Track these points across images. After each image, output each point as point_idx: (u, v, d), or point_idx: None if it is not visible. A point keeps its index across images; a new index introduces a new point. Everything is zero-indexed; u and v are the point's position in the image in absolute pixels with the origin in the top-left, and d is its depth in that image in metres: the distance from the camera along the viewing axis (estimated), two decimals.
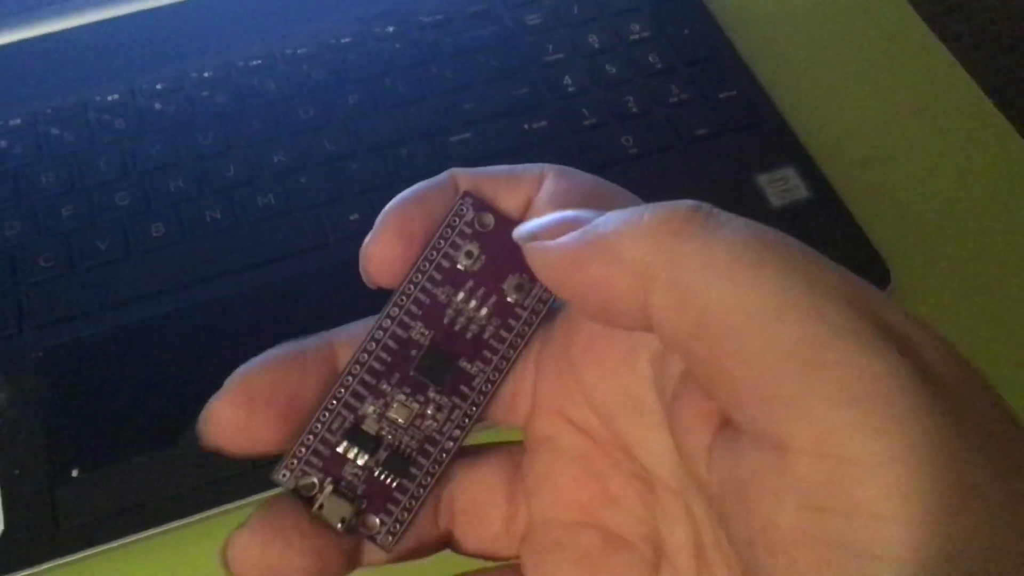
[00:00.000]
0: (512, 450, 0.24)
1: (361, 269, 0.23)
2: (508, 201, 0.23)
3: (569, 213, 0.21)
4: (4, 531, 0.37)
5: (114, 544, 0.36)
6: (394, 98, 0.49)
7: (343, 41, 0.52)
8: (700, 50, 0.51)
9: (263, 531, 0.21)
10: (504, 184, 0.23)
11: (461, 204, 0.22)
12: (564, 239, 0.20)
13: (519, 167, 0.23)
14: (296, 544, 0.21)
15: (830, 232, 0.44)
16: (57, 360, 0.41)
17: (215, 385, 0.21)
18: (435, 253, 0.22)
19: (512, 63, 0.51)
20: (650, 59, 0.51)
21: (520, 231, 0.21)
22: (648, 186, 0.48)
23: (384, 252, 0.22)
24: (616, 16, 0.52)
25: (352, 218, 0.45)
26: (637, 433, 0.22)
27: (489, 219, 0.23)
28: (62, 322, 0.42)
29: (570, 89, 0.50)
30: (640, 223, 0.19)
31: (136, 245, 0.44)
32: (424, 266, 0.22)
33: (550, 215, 0.21)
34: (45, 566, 0.36)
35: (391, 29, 0.52)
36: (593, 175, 0.23)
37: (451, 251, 0.22)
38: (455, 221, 0.22)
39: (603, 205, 0.21)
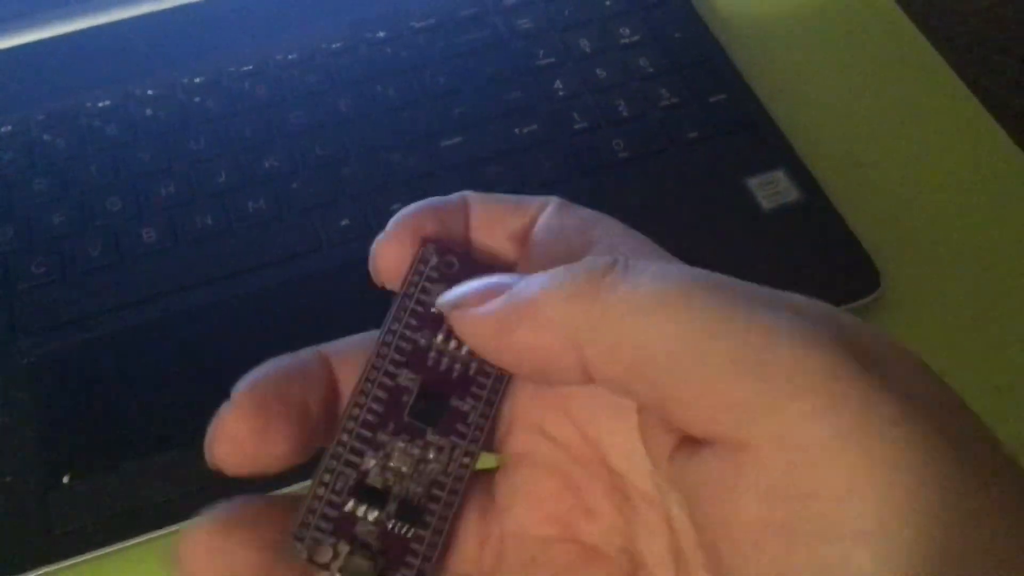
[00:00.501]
0: (478, 475, 0.24)
1: (371, 267, 0.23)
2: (512, 226, 0.23)
3: (492, 279, 0.21)
4: None
5: (106, 550, 0.36)
6: (386, 103, 0.49)
7: (334, 46, 0.52)
8: (690, 54, 0.51)
9: (222, 529, 0.21)
10: (510, 211, 0.24)
11: (424, 251, 0.23)
12: (489, 306, 0.20)
13: (527, 197, 0.24)
14: (254, 544, 0.21)
15: (820, 235, 0.44)
16: (49, 366, 0.41)
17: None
18: (408, 300, 0.23)
19: (503, 67, 0.51)
20: (640, 63, 0.51)
21: (443, 300, 0.21)
22: (639, 190, 0.48)
23: (393, 252, 0.23)
24: (607, 20, 0.53)
25: (344, 223, 0.45)
26: (613, 439, 0.22)
27: (453, 261, 0.23)
28: (54, 328, 0.42)
29: (561, 93, 0.50)
30: (562, 283, 0.19)
31: (128, 251, 0.44)
32: (400, 314, 0.23)
33: (471, 282, 0.21)
34: (37, 572, 0.36)
35: (382, 34, 0.52)
36: (594, 211, 0.23)
37: (423, 296, 0.23)
38: (421, 268, 0.23)
39: (590, 242, 0.22)
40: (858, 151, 0.49)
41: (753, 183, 0.46)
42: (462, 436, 0.22)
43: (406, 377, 0.22)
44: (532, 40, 0.52)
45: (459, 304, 0.21)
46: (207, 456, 0.21)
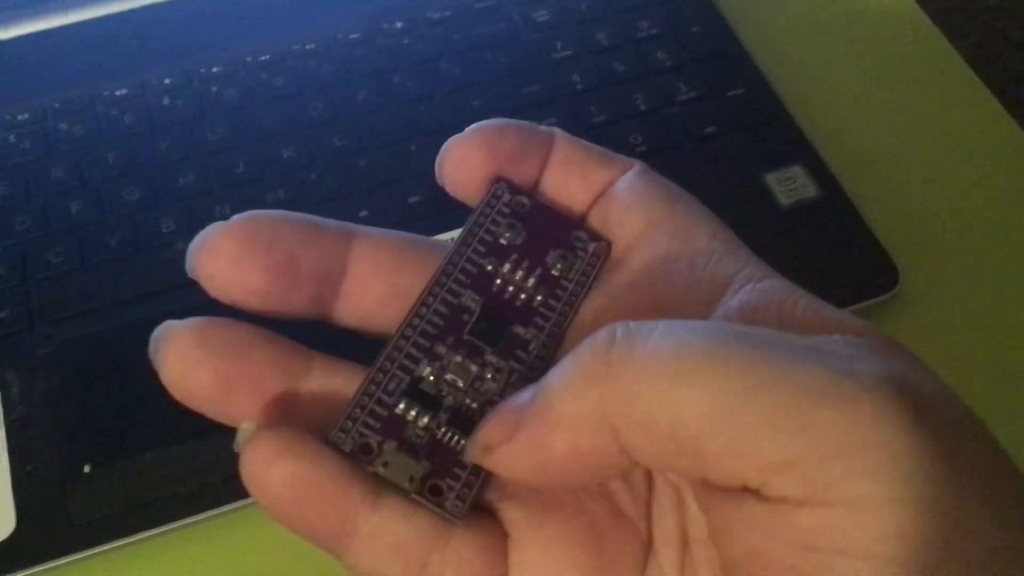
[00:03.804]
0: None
1: (437, 163, 0.23)
2: (591, 177, 0.23)
3: (505, 405, 0.20)
4: (16, 527, 0.37)
5: (127, 540, 0.37)
6: (403, 95, 0.49)
7: (351, 37, 0.52)
8: (708, 48, 0.51)
9: (210, 338, 0.21)
10: (593, 161, 0.23)
11: (497, 187, 0.23)
12: (519, 435, 0.19)
13: (613, 153, 0.24)
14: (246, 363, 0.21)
15: (838, 231, 0.44)
16: (68, 355, 0.41)
17: None
18: (477, 228, 0.23)
19: (521, 60, 0.51)
20: (658, 57, 0.51)
21: (473, 450, 0.20)
22: None
23: (464, 156, 0.23)
24: (624, 13, 0.52)
25: (362, 215, 0.45)
26: None
27: (525, 202, 0.23)
28: (73, 317, 0.42)
29: (579, 87, 0.50)
30: (573, 374, 0.19)
31: (146, 241, 0.44)
32: (468, 239, 0.23)
33: (489, 419, 0.20)
34: (58, 562, 0.36)
35: (399, 25, 0.52)
36: (676, 185, 0.23)
37: (492, 227, 0.23)
38: (493, 202, 0.23)
39: (671, 215, 0.22)
40: (877, 147, 0.49)
41: (771, 179, 0.46)
42: (521, 362, 0.22)
43: (470, 297, 0.22)
44: (549, 32, 0.52)
45: (488, 447, 0.20)
46: (187, 266, 0.21)
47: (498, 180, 0.23)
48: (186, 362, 0.21)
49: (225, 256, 0.21)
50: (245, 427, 0.20)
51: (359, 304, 0.22)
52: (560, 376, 0.19)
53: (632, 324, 0.18)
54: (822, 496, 0.17)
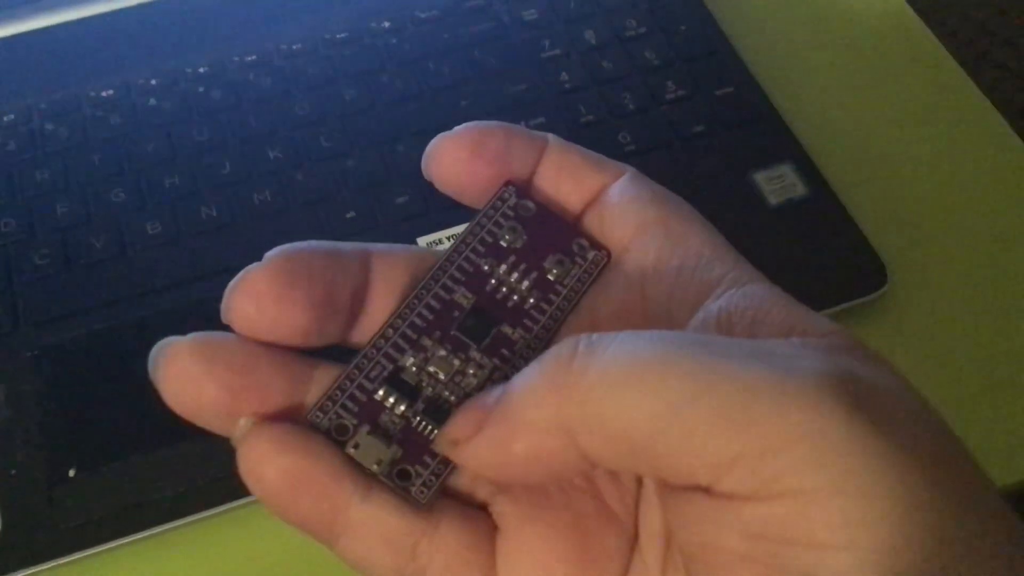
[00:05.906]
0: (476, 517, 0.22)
1: (424, 158, 0.23)
2: (584, 181, 0.24)
3: (474, 402, 0.21)
4: (1, 532, 0.36)
5: (112, 544, 0.36)
6: (390, 94, 0.49)
7: (339, 36, 0.51)
8: (697, 46, 0.51)
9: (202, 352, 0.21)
10: (587, 166, 0.24)
11: (505, 190, 0.23)
12: (483, 433, 0.20)
13: (606, 159, 0.24)
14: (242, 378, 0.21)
15: (827, 230, 0.44)
16: (53, 358, 0.41)
17: None
18: (479, 229, 0.23)
19: (509, 59, 0.51)
20: (647, 55, 0.50)
21: (442, 442, 0.21)
22: None
23: (450, 153, 0.23)
24: (613, 12, 0.52)
25: (349, 215, 0.45)
26: None
27: (530, 206, 0.23)
28: (58, 320, 0.42)
29: (567, 85, 0.49)
30: (537, 382, 0.19)
31: (132, 242, 0.44)
32: (469, 239, 0.23)
33: (459, 412, 0.21)
34: (43, 567, 0.36)
35: (387, 24, 0.52)
36: (664, 188, 0.24)
37: (494, 228, 0.23)
38: (499, 204, 0.23)
39: (666, 217, 0.22)
40: (865, 146, 0.49)
41: (759, 177, 0.46)
42: (505, 361, 0.22)
43: (462, 295, 0.23)
44: (538, 31, 0.52)
45: (455, 441, 0.20)
46: (223, 311, 0.21)
47: (507, 183, 0.23)
48: (190, 377, 0.21)
49: (267, 296, 0.20)
50: (242, 423, 0.21)
51: (374, 321, 0.22)
52: (524, 381, 0.20)
53: (594, 336, 0.19)
54: (767, 490, 0.17)
